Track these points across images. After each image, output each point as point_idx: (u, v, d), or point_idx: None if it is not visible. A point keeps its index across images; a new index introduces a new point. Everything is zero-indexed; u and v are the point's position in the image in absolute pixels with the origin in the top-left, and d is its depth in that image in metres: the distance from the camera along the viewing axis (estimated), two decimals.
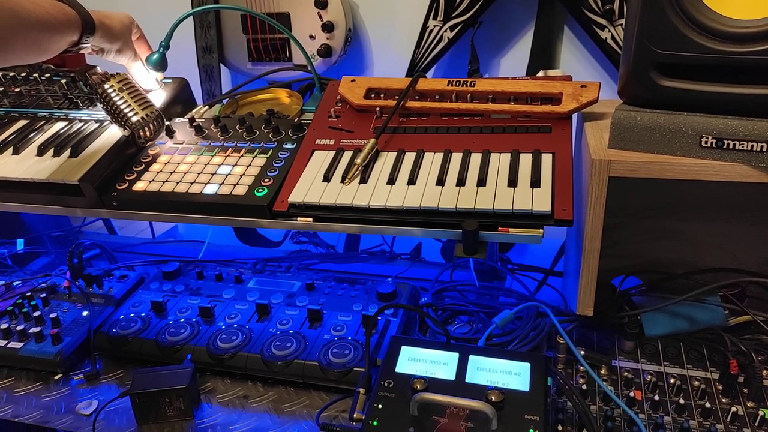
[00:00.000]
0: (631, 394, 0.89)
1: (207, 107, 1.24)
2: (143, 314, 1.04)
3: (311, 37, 1.42)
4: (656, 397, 0.87)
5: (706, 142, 0.77)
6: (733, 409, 0.85)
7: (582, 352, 0.92)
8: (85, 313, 1.06)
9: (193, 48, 1.49)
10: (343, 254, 1.49)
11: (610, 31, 1.24)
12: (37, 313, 1.04)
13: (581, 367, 0.94)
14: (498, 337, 0.97)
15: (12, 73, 1.27)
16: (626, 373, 0.93)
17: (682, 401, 0.86)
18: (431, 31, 1.35)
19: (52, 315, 1.03)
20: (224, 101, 1.28)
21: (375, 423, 0.75)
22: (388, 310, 1.01)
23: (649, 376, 0.91)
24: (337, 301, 1.06)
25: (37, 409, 0.91)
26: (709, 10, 0.74)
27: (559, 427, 0.83)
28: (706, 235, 1.07)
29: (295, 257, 1.33)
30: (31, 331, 1.01)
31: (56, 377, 0.97)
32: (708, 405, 0.85)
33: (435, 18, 1.34)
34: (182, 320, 1.02)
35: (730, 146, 0.76)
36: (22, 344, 0.99)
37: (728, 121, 0.76)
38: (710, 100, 0.76)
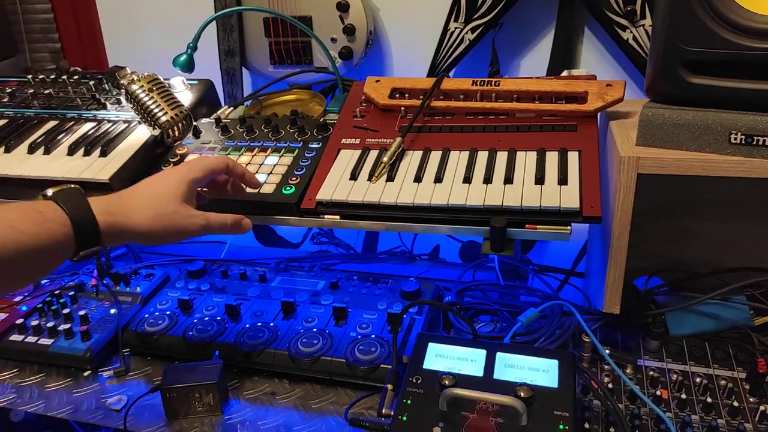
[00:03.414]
0: (658, 392, 0.88)
1: (231, 108, 1.25)
2: (170, 312, 1.05)
3: (333, 39, 1.43)
4: (683, 396, 0.86)
5: (735, 139, 0.78)
6: (762, 407, 0.84)
7: (607, 351, 0.92)
8: (112, 311, 1.07)
9: (215, 51, 1.51)
10: (363, 255, 1.49)
11: (631, 31, 1.24)
12: (66, 311, 1.05)
13: (606, 366, 0.94)
14: (523, 335, 0.97)
15: (41, 76, 1.29)
16: (652, 372, 0.92)
17: (709, 400, 0.86)
18: (452, 33, 1.36)
19: (81, 312, 1.04)
20: (247, 102, 1.29)
21: (404, 418, 0.76)
22: (413, 309, 1.01)
23: (675, 375, 0.91)
24: (361, 300, 1.06)
25: (68, 404, 0.92)
26: (737, 6, 0.74)
27: (586, 425, 0.83)
28: (729, 235, 1.07)
29: (317, 257, 1.34)
30: (60, 328, 1.02)
31: (85, 373, 0.98)
32: (736, 404, 0.85)
33: (456, 20, 1.35)
34: (209, 318, 1.03)
35: (760, 142, 0.76)
36: (52, 341, 1.01)
37: (757, 118, 0.76)
38: (739, 96, 0.77)
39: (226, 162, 0.84)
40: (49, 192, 0.69)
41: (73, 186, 0.71)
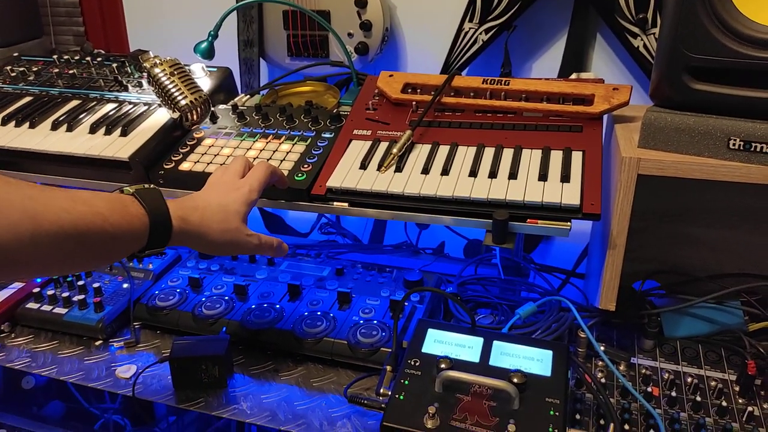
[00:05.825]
0: (649, 389, 0.90)
1: (248, 96, 1.29)
2: (180, 289, 1.09)
3: (349, 34, 1.47)
4: (673, 394, 0.89)
5: (733, 145, 0.80)
6: (750, 409, 0.86)
7: (602, 348, 0.95)
8: (125, 285, 1.11)
9: (234, 41, 1.55)
10: (369, 246, 1.53)
11: (642, 39, 1.27)
12: (80, 283, 1.09)
13: (600, 363, 0.96)
14: (520, 328, 1.00)
15: (66, 57, 1.33)
16: (644, 371, 0.94)
17: (698, 399, 0.88)
18: (466, 33, 1.39)
19: (95, 285, 1.08)
20: (264, 92, 1.33)
21: (401, 397, 0.79)
22: (415, 296, 1.04)
23: (667, 374, 0.93)
24: (365, 287, 1.09)
25: (80, 370, 0.96)
26: (742, 16, 0.76)
27: (577, 416, 0.86)
28: (728, 242, 1.09)
29: (324, 245, 1.37)
30: (75, 298, 1.06)
31: (97, 343, 1.02)
32: (725, 404, 0.87)
33: (471, 20, 1.38)
34: (217, 296, 1.07)
35: (758, 149, 0.79)
36: (66, 310, 1.05)
37: (756, 125, 0.79)
38: (739, 103, 0.79)
39: (272, 173, 0.88)
40: (130, 189, 0.70)
41: (152, 186, 0.72)
